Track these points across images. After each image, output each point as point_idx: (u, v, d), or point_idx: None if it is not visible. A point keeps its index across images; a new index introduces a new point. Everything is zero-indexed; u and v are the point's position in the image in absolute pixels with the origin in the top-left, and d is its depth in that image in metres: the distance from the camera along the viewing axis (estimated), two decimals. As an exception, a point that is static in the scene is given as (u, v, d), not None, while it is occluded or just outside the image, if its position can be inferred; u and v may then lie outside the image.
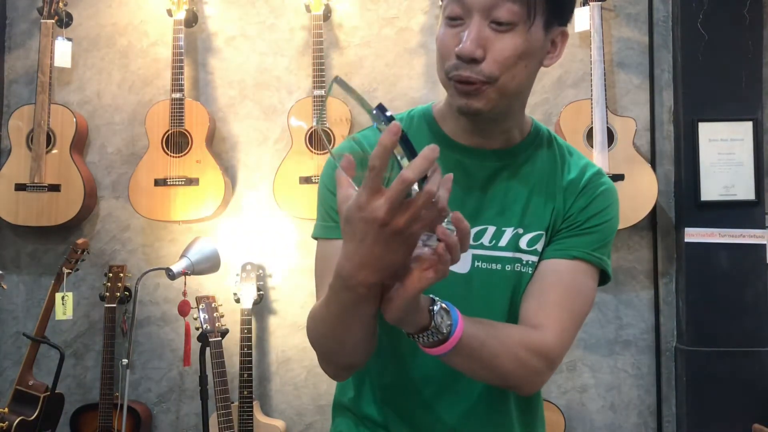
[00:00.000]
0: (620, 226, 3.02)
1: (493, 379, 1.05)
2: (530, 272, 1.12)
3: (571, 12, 1.10)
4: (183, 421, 3.19)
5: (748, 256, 2.88)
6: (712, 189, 2.91)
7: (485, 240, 1.11)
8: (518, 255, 1.11)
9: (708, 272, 2.90)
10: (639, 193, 2.90)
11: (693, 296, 2.92)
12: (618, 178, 2.89)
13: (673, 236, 3.08)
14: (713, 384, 2.86)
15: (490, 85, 1.02)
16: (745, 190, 2.90)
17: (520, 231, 1.12)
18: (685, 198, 2.96)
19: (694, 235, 2.92)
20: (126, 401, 2.70)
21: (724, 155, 2.92)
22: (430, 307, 0.92)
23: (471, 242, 1.09)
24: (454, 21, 1.03)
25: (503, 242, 1.11)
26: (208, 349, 2.72)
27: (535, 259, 1.12)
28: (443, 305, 0.93)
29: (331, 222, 1.12)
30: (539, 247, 1.12)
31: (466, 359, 0.97)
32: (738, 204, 2.90)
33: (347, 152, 0.90)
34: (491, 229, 1.11)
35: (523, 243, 1.12)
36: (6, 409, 2.83)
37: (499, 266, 1.10)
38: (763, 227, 2.89)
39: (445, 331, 0.92)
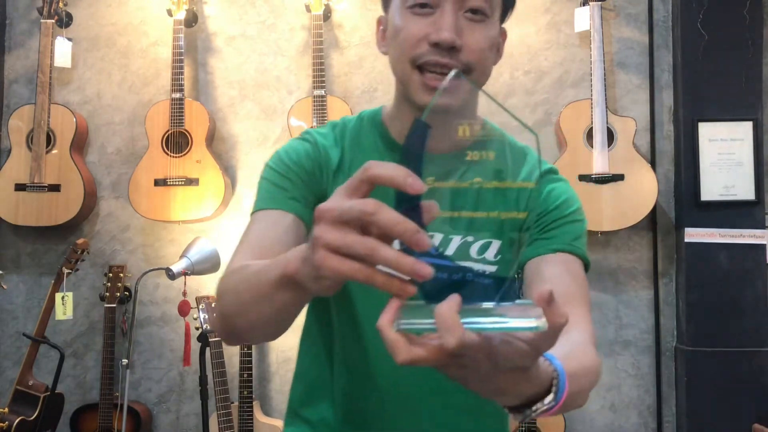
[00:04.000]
0: (620, 226, 3.04)
1: (562, 411, 0.89)
2: (484, 282, 1.01)
3: (512, 10, 1.10)
4: (183, 421, 3.19)
5: (748, 256, 2.88)
6: (712, 189, 2.91)
7: (431, 249, 1.02)
8: (468, 264, 1.04)
9: (708, 272, 2.90)
10: (639, 193, 2.90)
11: (693, 296, 2.92)
12: (618, 178, 2.89)
13: (673, 236, 3.08)
14: (713, 384, 2.86)
15: (464, 77, 0.98)
16: (745, 190, 2.90)
17: (470, 239, 1.06)
18: (685, 198, 2.96)
19: (694, 235, 2.92)
20: (126, 401, 2.70)
21: (724, 155, 2.92)
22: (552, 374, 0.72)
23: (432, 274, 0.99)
24: (422, 9, 0.99)
25: (450, 251, 1.04)
26: (208, 349, 2.72)
27: (488, 268, 1.04)
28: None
29: (264, 194, 1.11)
30: (490, 255, 1.06)
31: (565, 406, 0.77)
32: (738, 204, 2.90)
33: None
34: (438, 237, 1.03)
35: (473, 251, 1.06)
36: (6, 409, 2.83)
37: (444, 276, 1.01)
38: (763, 227, 2.89)
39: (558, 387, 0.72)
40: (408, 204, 0.59)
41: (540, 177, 1.10)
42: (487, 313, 0.60)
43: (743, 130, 2.91)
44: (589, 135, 2.94)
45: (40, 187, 3.04)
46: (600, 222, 2.90)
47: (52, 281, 2.92)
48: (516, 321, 0.59)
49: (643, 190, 2.90)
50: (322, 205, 0.61)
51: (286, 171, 1.10)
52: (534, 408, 0.70)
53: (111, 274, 3.02)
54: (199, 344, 2.73)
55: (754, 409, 2.82)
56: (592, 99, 2.95)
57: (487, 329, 0.59)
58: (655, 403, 3.06)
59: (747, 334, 2.86)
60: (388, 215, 0.58)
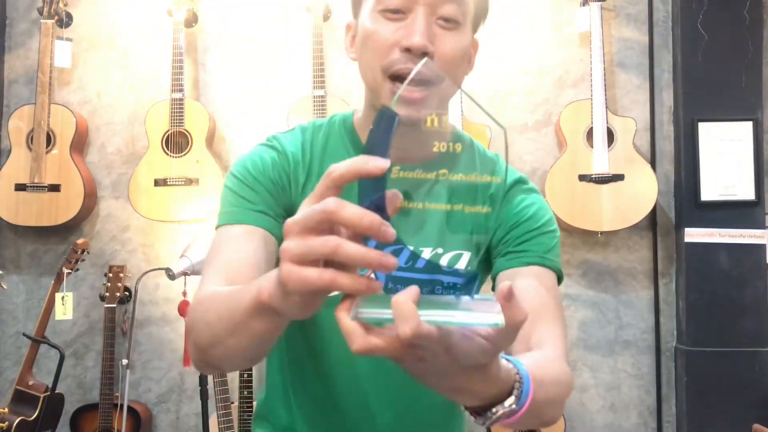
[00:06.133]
0: (620, 226, 3.03)
1: (531, 425, 0.88)
2: (453, 295, 1.00)
3: (485, 20, 1.08)
4: (183, 421, 3.19)
5: (748, 256, 2.88)
6: (712, 189, 2.91)
7: (401, 261, 0.98)
8: (438, 277, 1.00)
9: (708, 272, 2.90)
10: (639, 193, 2.90)
11: (693, 296, 2.92)
12: (618, 178, 2.89)
13: (673, 236, 3.08)
14: (713, 384, 2.86)
15: (434, 88, 0.94)
16: (745, 190, 2.90)
17: (440, 251, 1.03)
18: (685, 198, 2.96)
19: (694, 235, 2.92)
20: (126, 401, 2.70)
21: (724, 155, 2.92)
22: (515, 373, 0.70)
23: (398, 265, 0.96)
24: (394, 14, 0.97)
25: (420, 264, 1.01)
26: (208, 349, 2.72)
27: (457, 280, 1.01)
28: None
29: (230, 207, 1.05)
30: (461, 266, 1.03)
31: (531, 414, 0.75)
32: (738, 204, 2.90)
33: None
34: (408, 250, 1.02)
35: (443, 263, 1.02)
36: (6, 409, 2.83)
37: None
38: (763, 227, 2.89)
39: (523, 390, 0.70)
40: (373, 194, 0.57)
41: (510, 186, 1.09)
42: (446, 306, 0.59)
43: (743, 130, 2.91)
44: (589, 135, 2.94)
45: (40, 187, 3.04)
46: (600, 222, 2.90)
47: (52, 281, 2.92)
48: (475, 316, 0.58)
49: (643, 190, 2.90)
50: (290, 220, 0.59)
51: (251, 182, 1.05)
52: (494, 410, 0.68)
53: (111, 274, 3.02)
54: (199, 344, 2.73)
55: (754, 409, 2.82)
56: (592, 99, 2.95)
57: (446, 323, 0.57)
58: (655, 403, 3.06)
59: (747, 334, 2.86)
60: (352, 209, 0.56)
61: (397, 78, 0.96)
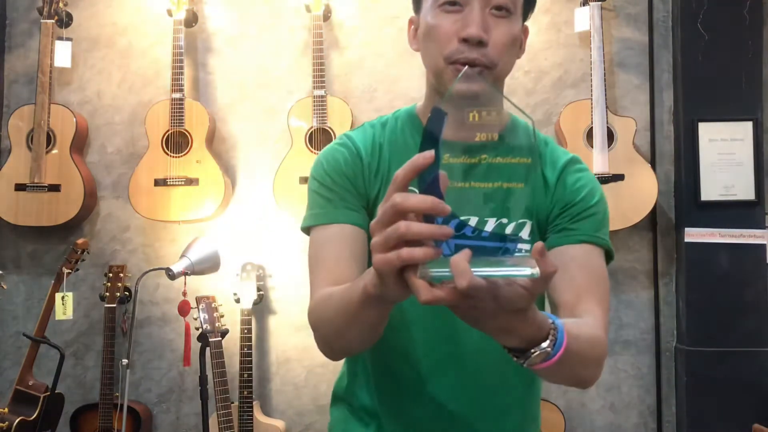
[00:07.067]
0: (620, 226, 3.03)
1: (571, 379, 1.01)
2: (500, 254, 1.14)
3: (534, 9, 1.18)
4: (183, 421, 3.19)
5: (748, 256, 2.88)
6: (712, 189, 2.91)
7: (467, 230, 1.11)
8: (504, 243, 1.12)
9: (708, 272, 2.90)
10: (639, 193, 2.90)
11: (693, 296, 2.92)
12: (618, 178, 2.89)
13: (673, 236, 3.08)
14: (713, 384, 2.86)
15: (490, 71, 1.07)
16: (745, 190, 2.90)
17: (504, 221, 1.11)
18: (685, 198, 2.96)
19: (694, 235, 2.92)
20: (126, 401, 2.70)
21: (724, 155, 2.92)
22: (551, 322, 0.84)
23: (453, 232, 1.11)
24: (452, 6, 1.08)
25: (486, 232, 1.13)
26: (208, 349, 2.72)
27: (522, 246, 1.12)
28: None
29: (317, 209, 1.18)
30: (524, 234, 1.14)
31: (566, 364, 0.88)
32: (738, 204, 2.90)
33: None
34: (474, 219, 1.11)
35: (509, 231, 1.12)
36: (6, 409, 2.83)
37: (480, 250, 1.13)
38: (763, 227, 2.89)
39: (558, 338, 0.84)
40: (427, 179, 0.71)
41: (563, 166, 1.20)
42: (493, 262, 0.73)
43: (743, 130, 2.91)
44: (589, 135, 2.94)
45: (40, 187, 3.04)
46: (600, 222, 2.90)
47: (52, 281, 2.92)
48: (515, 269, 0.72)
49: (643, 190, 2.90)
50: (372, 222, 0.74)
51: (330, 183, 1.18)
52: (532, 351, 0.81)
53: (111, 274, 3.02)
54: (199, 344, 2.73)
55: (754, 409, 2.82)
56: (592, 99, 2.95)
57: (493, 276, 0.72)
58: (655, 403, 3.06)
59: (747, 334, 2.86)
60: (415, 198, 0.70)
61: (455, 63, 1.07)
